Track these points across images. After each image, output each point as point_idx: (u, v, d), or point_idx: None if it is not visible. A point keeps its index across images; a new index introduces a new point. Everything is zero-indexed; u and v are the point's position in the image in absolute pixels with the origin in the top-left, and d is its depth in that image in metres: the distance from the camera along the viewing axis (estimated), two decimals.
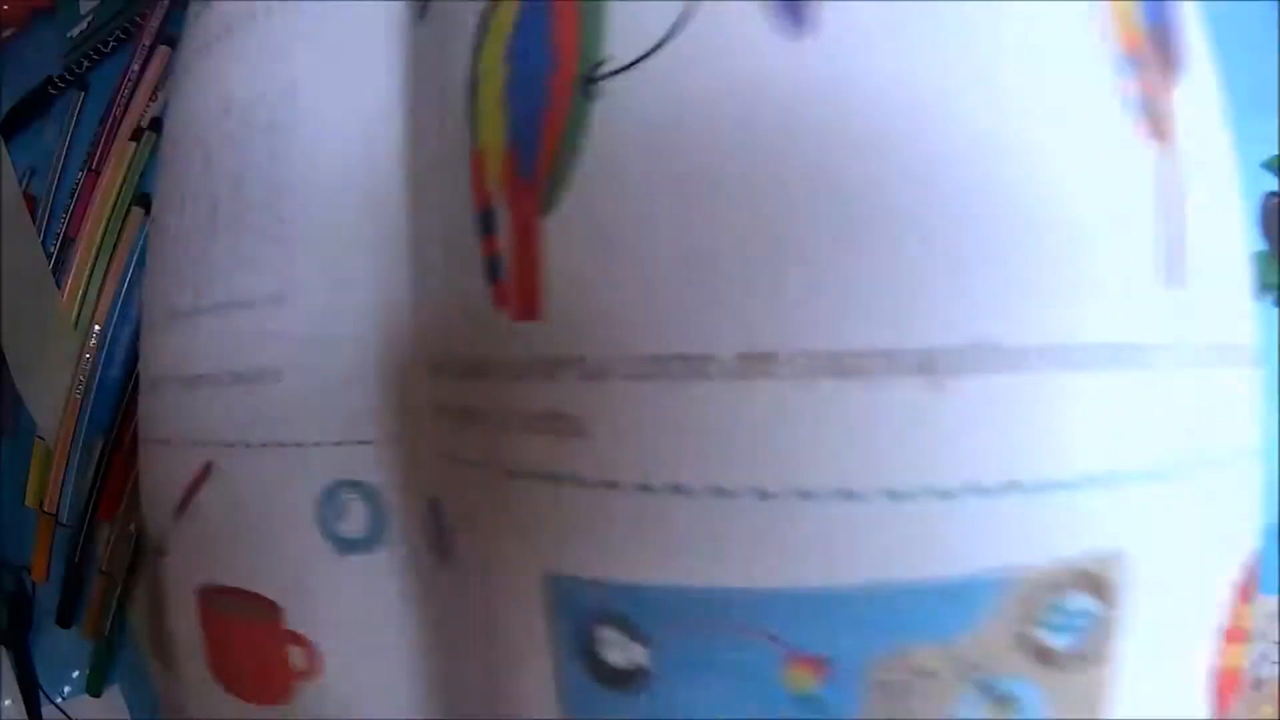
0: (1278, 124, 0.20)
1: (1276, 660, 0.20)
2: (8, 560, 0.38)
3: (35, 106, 0.38)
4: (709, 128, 0.11)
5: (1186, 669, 0.14)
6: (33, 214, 0.38)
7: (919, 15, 0.11)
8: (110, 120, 0.37)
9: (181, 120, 0.20)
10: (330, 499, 0.17)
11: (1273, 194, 0.20)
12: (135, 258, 0.37)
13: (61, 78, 0.38)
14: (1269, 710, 0.20)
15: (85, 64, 0.38)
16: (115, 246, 0.36)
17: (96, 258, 0.36)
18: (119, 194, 0.36)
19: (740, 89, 0.11)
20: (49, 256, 0.37)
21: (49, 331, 0.36)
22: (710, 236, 0.11)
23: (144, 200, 0.37)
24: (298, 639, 0.18)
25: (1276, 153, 0.20)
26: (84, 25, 0.38)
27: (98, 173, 0.37)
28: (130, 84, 0.37)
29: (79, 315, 0.36)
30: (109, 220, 0.36)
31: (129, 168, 0.36)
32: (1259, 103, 0.20)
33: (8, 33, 0.40)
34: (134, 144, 0.37)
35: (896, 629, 0.11)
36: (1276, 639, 0.20)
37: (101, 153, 0.37)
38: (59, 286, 0.36)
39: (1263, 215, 0.20)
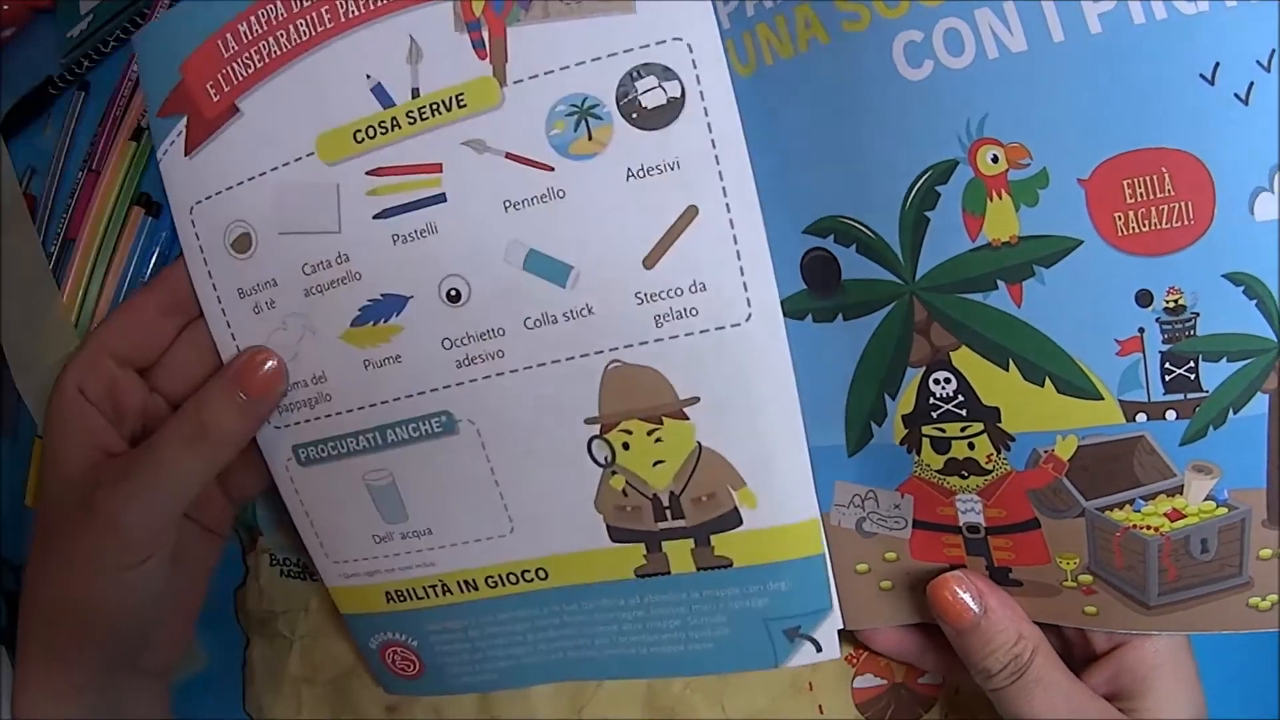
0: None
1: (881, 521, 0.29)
2: (8, 559, 0.39)
3: (35, 106, 0.38)
4: None
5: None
6: (33, 214, 0.38)
7: None
8: (110, 120, 0.37)
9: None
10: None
11: (812, 249, 0.27)
12: (135, 258, 0.37)
13: (61, 78, 0.38)
14: (892, 556, 0.29)
15: (85, 64, 0.37)
16: (115, 246, 0.36)
17: (96, 258, 0.36)
18: (119, 194, 0.36)
19: None
20: (49, 256, 0.37)
21: (49, 331, 0.36)
22: None
23: (144, 200, 0.37)
24: None
25: (818, 219, 0.26)
26: (84, 25, 0.38)
27: (98, 173, 0.37)
28: (130, 84, 0.36)
29: (79, 315, 0.36)
30: (109, 220, 0.36)
31: (129, 168, 0.36)
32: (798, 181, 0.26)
33: (8, 33, 0.39)
34: (134, 144, 0.36)
35: None
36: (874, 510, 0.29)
37: (101, 153, 0.37)
38: (59, 286, 0.36)
39: (805, 266, 0.27)
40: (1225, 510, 0.24)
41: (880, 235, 0.26)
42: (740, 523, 0.29)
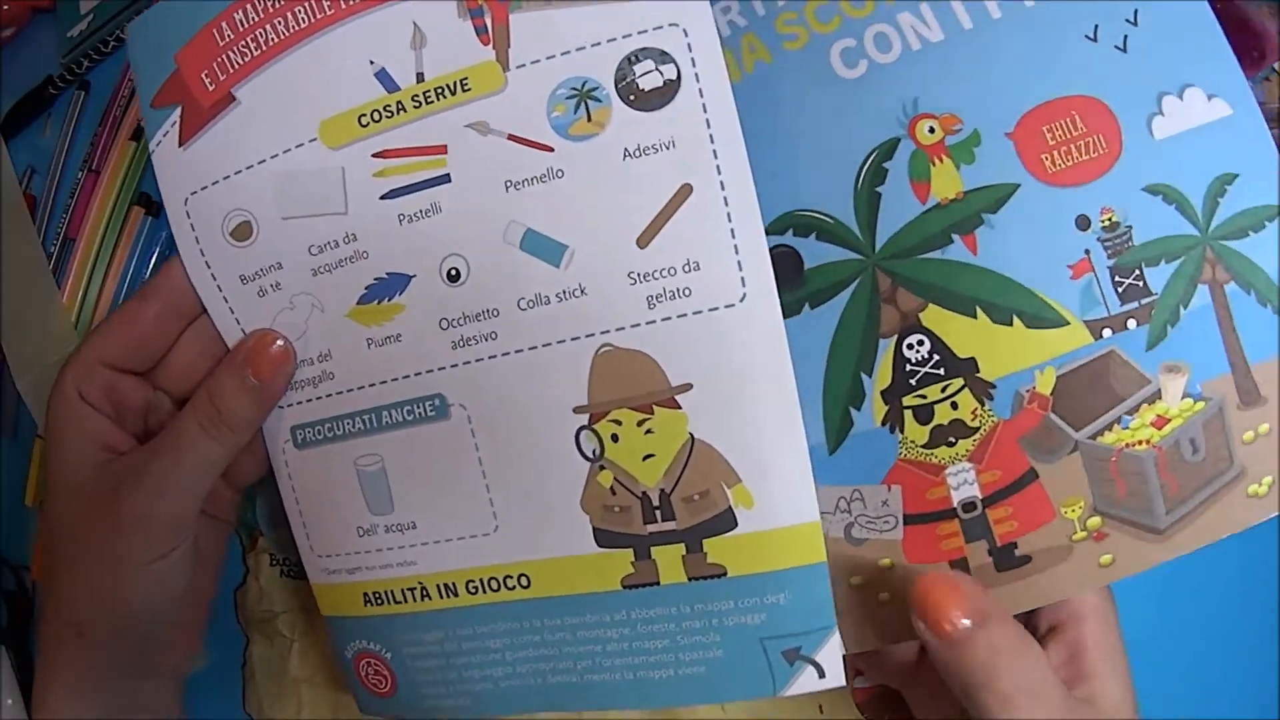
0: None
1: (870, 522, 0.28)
2: (8, 559, 0.38)
3: (35, 106, 0.39)
4: None
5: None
6: (33, 214, 0.38)
7: None
8: (110, 120, 0.37)
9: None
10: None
11: (773, 247, 0.27)
12: (135, 257, 0.37)
13: (61, 78, 0.38)
14: (886, 562, 0.28)
15: (85, 64, 0.38)
16: (115, 246, 0.37)
17: (96, 258, 0.37)
18: (119, 194, 0.37)
19: None
20: (49, 256, 0.37)
21: (49, 331, 0.36)
22: None
23: (144, 200, 0.37)
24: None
25: (775, 217, 0.28)
26: (84, 25, 0.38)
27: (98, 173, 0.37)
28: (130, 84, 0.37)
29: (79, 315, 0.37)
30: (109, 220, 0.37)
31: (129, 168, 0.37)
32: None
33: (8, 33, 0.40)
34: (134, 144, 0.37)
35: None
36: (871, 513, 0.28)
37: (101, 153, 0.37)
38: (59, 286, 0.37)
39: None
40: (1203, 405, 0.27)
41: (837, 218, 0.28)
42: (735, 525, 0.27)
